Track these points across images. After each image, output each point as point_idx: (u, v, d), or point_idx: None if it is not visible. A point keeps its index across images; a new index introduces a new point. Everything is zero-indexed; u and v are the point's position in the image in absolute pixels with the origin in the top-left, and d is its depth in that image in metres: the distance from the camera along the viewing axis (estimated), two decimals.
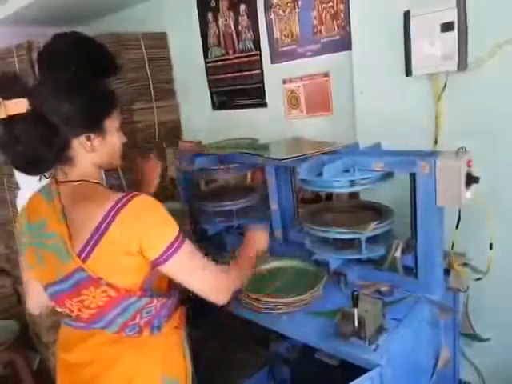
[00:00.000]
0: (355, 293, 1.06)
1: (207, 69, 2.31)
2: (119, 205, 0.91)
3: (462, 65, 1.32)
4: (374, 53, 1.54)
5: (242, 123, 2.20)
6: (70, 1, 2.26)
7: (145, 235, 0.92)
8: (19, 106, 0.89)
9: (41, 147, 0.91)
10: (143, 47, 2.32)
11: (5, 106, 0.88)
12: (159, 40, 2.42)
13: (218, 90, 2.30)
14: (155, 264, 0.95)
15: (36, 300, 1.13)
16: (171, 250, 0.93)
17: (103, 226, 0.90)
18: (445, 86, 1.39)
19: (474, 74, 1.33)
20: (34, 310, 1.16)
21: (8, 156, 0.94)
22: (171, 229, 0.96)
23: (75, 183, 0.98)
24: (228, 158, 1.68)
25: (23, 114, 0.89)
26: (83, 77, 0.97)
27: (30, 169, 0.96)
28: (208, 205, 1.75)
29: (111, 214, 0.90)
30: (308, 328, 1.19)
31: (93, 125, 0.97)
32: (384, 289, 1.29)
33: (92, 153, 0.98)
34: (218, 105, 2.34)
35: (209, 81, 2.33)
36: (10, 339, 2.19)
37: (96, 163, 1.01)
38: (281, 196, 1.61)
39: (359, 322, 1.05)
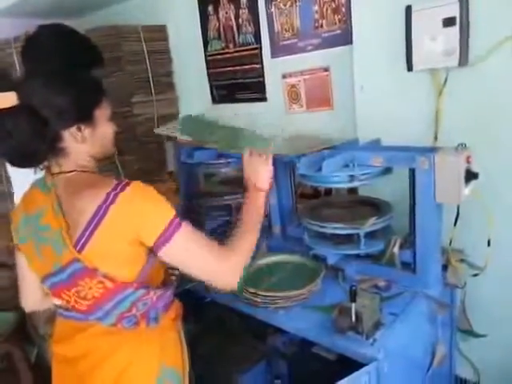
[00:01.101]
0: (353, 288, 1.06)
1: (207, 62, 2.30)
2: (114, 193, 0.91)
3: (463, 60, 1.31)
4: (374, 47, 1.53)
5: (241, 117, 2.19)
6: None
7: (141, 220, 0.91)
8: (9, 99, 0.88)
9: (32, 140, 0.91)
10: (143, 40, 2.30)
11: None
12: (159, 32, 2.40)
13: (217, 83, 2.29)
14: (155, 248, 0.93)
15: (30, 297, 1.14)
16: (170, 230, 0.92)
17: (99, 214, 0.89)
18: (445, 81, 1.39)
19: (474, 69, 1.32)
20: (28, 307, 1.16)
21: (0, 150, 0.93)
22: (167, 211, 0.94)
23: (69, 174, 0.98)
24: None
25: (13, 107, 0.88)
26: (71, 68, 0.96)
27: (23, 162, 0.96)
28: (207, 199, 1.75)
29: (106, 202, 0.90)
30: (306, 322, 1.20)
31: (83, 115, 0.97)
32: (382, 284, 1.29)
33: (83, 143, 0.98)
34: (217, 98, 2.33)
35: (209, 74, 2.31)
36: (8, 331, 2.19)
37: (89, 153, 1.01)
38: (280, 191, 1.60)
39: (357, 317, 1.05)
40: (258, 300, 1.27)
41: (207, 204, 1.75)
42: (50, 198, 0.97)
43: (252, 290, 1.28)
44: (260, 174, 1.12)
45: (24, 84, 0.91)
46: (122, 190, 0.91)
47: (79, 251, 0.91)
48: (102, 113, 1.01)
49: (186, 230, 0.94)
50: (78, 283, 0.95)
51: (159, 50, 2.40)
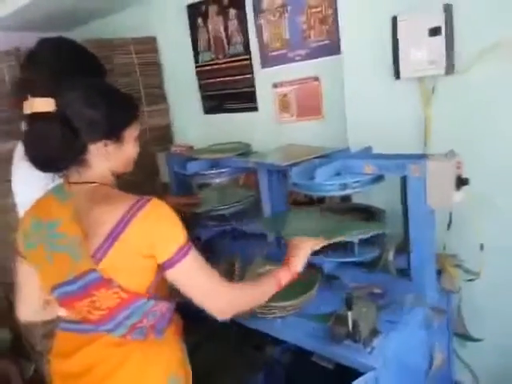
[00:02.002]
0: (349, 295, 1.06)
1: (198, 73, 2.31)
2: (135, 208, 0.93)
3: (449, 69, 1.33)
4: (363, 57, 1.55)
5: (233, 127, 2.21)
6: (58, 7, 2.25)
7: (158, 238, 0.94)
8: (46, 104, 0.91)
9: (60, 148, 0.93)
10: (133, 52, 2.31)
11: (32, 103, 0.91)
12: (149, 45, 2.42)
13: (208, 94, 2.31)
14: (164, 267, 0.96)
15: (27, 307, 1.12)
16: (180, 254, 0.95)
17: (119, 227, 0.91)
18: (433, 89, 1.41)
19: (461, 77, 1.35)
20: (25, 316, 1.13)
21: (27, 152, 0.95)
22: (182, 233, 0.98)
23: (90, 185, 1.00)
24: (220, 162, 1.68)
25: (48, 113, 0.91)
26: (110, 85, 1.00)
27: (46, 167, 0.98)
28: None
29: (127, 216, 0.92)
30: (303, 331, 1.20)
31: (112, 133, 0.99)
32: (377, 291, 1.30)
33: (106, 159, 1.00)
34: (208, 109, 2.34)
35: (199, 85, 2.33)
36: (3, 348, 2.16)
37: (110, 168, 1.03)
38: (273, 199, 1.61)
39: (353, 325, 1.06)
40: (256, 310, 1.27)
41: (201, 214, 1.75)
42: (67, 207, 0.98)
43: None
44: (298, 258, 1.19)
45: (62, 93, 0.93)
46: (143, 205, 0.94)
47: (97, 262, 0.92)
48: (131, 133, 1.04)
49: (192, 256, 0.97)
50: (93, 293, 0.95)
51: (149, 62, 2.41)
